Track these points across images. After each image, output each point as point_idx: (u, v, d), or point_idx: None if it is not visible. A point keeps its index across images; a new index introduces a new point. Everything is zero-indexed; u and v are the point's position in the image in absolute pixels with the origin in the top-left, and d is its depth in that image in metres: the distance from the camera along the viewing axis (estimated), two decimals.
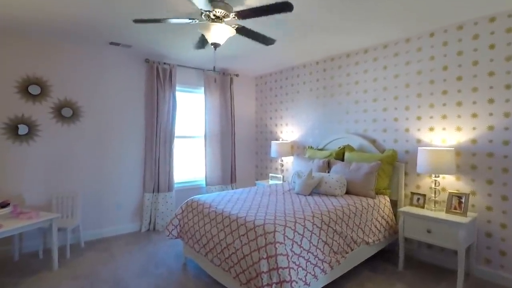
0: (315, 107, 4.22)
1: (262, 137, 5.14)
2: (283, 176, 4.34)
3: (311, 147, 4.16)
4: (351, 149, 3.61)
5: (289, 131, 4.64)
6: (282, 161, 4.60)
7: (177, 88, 4.36)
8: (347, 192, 3.20)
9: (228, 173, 4.67)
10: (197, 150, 4.71)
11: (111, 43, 3.38)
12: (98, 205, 3.69)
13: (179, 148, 4.45)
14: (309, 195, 3.14)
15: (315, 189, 3.21)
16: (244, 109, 5.12)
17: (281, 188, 3.53)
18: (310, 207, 2.59)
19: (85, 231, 3.61)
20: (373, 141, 3.55)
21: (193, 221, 2.78)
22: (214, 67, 2.87)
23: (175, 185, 4.31)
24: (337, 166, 3.42)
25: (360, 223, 2.70)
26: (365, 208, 2.81)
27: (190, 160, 4.65)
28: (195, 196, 3.07)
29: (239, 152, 5.10)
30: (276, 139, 4.86)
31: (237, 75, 4.85)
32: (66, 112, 3.44)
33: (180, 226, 2.96)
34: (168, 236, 2.94)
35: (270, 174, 4.57)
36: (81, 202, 3.56)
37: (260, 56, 4.01)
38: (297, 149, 4.50)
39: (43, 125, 3.32)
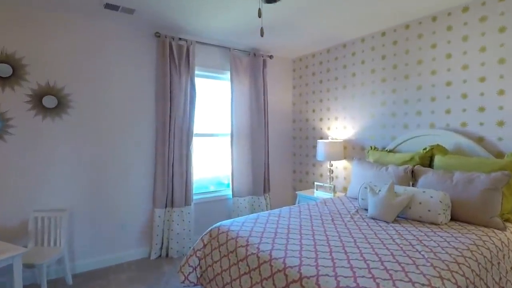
0: (380, 93, 3.12)
1: (301, 135, 4.10)
2: (334, 187, 3.30)
3: (374, 148, 3.07)
4: (443, 151, 2.50)
5: (339, 127, 3.57)
6: (332, 165, 3.54)
7: (196, 72, 3.40)
8: (452, 218, 2.11)
9: (260, 181, 3.67)
10: (221, 152, 3.74)
11: (107, 6, 2.45)
12: (94, 225, 2.79)
13: (198, 149, 3.48)
14: (393, 222, 2.08)
15: (401, 213, 2.14)
16: (279, 99, 4.10)
17: (342, 207, 2.48)
18: (418, 252, 1.53)
19: (77, 260, 2.72)
20: (480, 140, 2.42)
21: (221, 266, 1.79)
22: (261, 28, 1.85)
23: (194, 197, 3.35)
24: (428, 176, 2.32)
25: (500, 279, 1.61)
26: (500, 250, 1.71)
27: (212, 164, 3.69)
28: (223, 223, 2.07)
29: (273, 154, 4.08)
30: (321, 137, 3.81)
31: (271, 57, 3.83)
32: (48, 102, 2.55)
33: (200, 268, 1.98)
34: (183, 282, 1.97)
35: (316, 183, 3.52)
36: (68, 222, 2.67)
37: (300, 30, 2.97)
38: (351, 150, 3.42)
39: (16, 119, 2.44)
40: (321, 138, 3.80)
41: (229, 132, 3.55)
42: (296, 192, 3.61)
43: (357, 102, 3.35)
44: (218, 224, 2.06)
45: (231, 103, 3.52)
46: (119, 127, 2.89)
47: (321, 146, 3.38)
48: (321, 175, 3.80)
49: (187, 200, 3.14)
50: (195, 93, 3.19)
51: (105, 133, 2.81)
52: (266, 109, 3.76)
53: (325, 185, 3.43)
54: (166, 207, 3.07)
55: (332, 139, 3.59)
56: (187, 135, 3.16)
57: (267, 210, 3.75)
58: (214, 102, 3.67)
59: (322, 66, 3.77)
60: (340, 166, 3.56)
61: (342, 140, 3.39)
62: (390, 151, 2.94)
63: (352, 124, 3.42)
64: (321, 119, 3.80)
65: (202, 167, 3.57)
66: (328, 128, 3.71)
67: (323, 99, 3.77)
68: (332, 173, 3.50)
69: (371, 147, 3.10)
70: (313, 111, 3.91)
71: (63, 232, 2.47)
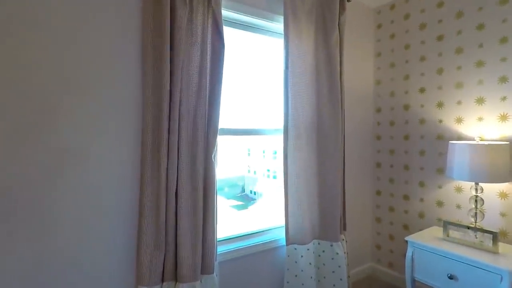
0: None
1: (397, 132, 2.45)
2: (496, 235, 1.66)
3: None
4: None
5: (488, 118, 1.90)
6: (479, 191, 1.86)
7: (223, 12, 1.83)
8: None
9: (332, 213, 2.06)
10: (266, 163, 2.17)
11: None
12: None
13: (222, 158, 1.92)
14: None
15: None
16: (355, 74, 2.47)
17: None
18: None
19: None
20: None
21: None
22: None
23: (219, 250, 1.78)
24: None
25: None
26: None
27: (250, 184, 2.11)
28: None
29: (350, 168, 2.46)
30: (440, 137, 2.15)
31: (349, 0, 2.21)
32: None
33: None
34: None
35: (447, 223, 1.87)
36: None
37: None
38: None
39: None
40: (442, 139, 2.14)
41: (282, 127, 1.95)
42: (407, 239, 1.96)
43: None
44: None
45: (285, 75, 1.92)
46: (67, 125, 1.34)
47: (461, 154, 1.74)
48: (456, 206, 2.14)
49: (206, 266, 1.57)
50: (223, 50, 1.62)
51: (39, 137, 1.28)
52: (342, 88, 2.14)
53: (468, 227, 1.77)
54: (163, 282, 1.50)
55: (480, 140, 1.92)
56: (206, 135, 1.59)
57: (346, 268, 2.13)
58: (252, 73, 2.09)
59: (430, 14, 2.11)
60: (493, 192, 1.89)
61: (508, 143, 1.72)
62: None
63: None
64: (439, 105, 2.14)
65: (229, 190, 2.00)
66: (459, 120, 2.05)
67: (441, 69, 2.11)
68: (478, 204, 1.83)
69: None
70: (421, 91, 2.25)
71: None
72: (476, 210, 1.83)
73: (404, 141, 2.37)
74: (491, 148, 1.67)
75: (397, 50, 2.40)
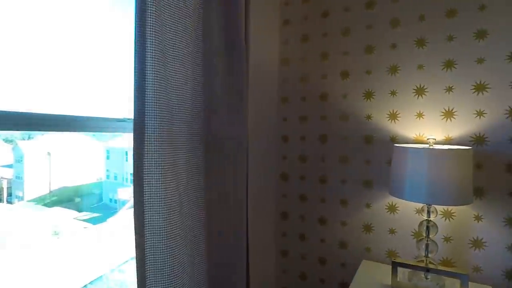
0: None
1: (310, 131, 1.77)
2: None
3: None
4: None
5: (436, 116, 1.45)
6: (431, 215, 1.35)
7: None
8: None
9: (228, 262, 1.15)
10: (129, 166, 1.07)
11: None
12: None
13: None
14: None
15: None
16: (254, 48, 1.64)
17: None
18: None
19: None
20: None
21: None
22: None
23: None
24: None
25: None
26: None
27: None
28: None
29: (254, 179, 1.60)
30: (369, 139, 1.60)
31: None
32: None
33: None
34: None
35: (397, 264, 1.29)
36: None
37: None
38: (490, 175, 1.35)
39: None
40: (370, 141, 1.59)
41: (130, 117, 0.88)
42: None
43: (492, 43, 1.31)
44: None
45: (139, 44, 0.85)
46: None
47: (415, 163, 1.20)
48: (389, 231, 1.59)
49: None
50: None
51: None
52: (246, 68, 1.26)
53: (431, 271, 1.23)
54: None
55: (436, 143, 1.44)
56: None
57: None
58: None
59: None
60: (452, 223, 1.44)
61: (471, 148, 1.26)
62: None
63: (493, 103, 1.36)
64: (367, 95, 1.59)
65: None
66: (393, 116, 1.54)
67: (370, 47, 1.57)
68: (431, 232, 1.33)
69: None
70: (344, 75, 1.65)
71: None
72: (427, 241, 1.32)
73: (320, 144, 1.72)
74: (457, 156, 1.17)
75: (312, 18, 1.73)
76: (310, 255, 1.76)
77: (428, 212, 1.31)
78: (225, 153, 1.14)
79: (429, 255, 1.31)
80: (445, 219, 1.43)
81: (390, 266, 1.47)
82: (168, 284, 0.84)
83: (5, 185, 1.27)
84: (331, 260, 1.70)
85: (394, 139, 1.53)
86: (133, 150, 0.81)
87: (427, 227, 1.31)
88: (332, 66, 1.67)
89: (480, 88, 1.35)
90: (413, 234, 1.50)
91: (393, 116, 1.53)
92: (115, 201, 1.64)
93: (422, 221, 1.33)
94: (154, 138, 0.82)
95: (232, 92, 1.16)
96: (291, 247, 1.82)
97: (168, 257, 0.84)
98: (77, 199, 1.50)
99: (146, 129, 0.81)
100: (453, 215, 1.41)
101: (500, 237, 1.33)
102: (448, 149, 1.18)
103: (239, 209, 1.19)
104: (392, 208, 1.54)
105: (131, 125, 0.95)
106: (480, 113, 1.36)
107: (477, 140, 1.36)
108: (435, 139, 1.36)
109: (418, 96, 1.47)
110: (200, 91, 1.07)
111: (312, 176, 1.75)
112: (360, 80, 1.60)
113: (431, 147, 1.30)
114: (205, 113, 1.09)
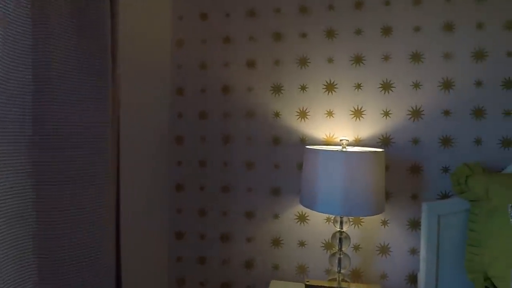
0: (465, 29, 1.22)
1: (211, 130, 1.45)
2: None
3: (482, 169, 1.12)
4: None
5: (345, 115, 1.33)
6: (345, 226, 1.20)
7: None
8: None
9: None
10: None
11: None
12: None
13: None
14: None
15: None
16: (138, 25, 1.23)
17: None
18: None
19: None
20: None
21: None
22: None
23: None
24: None
25: None
26: None
27: None
28: None
29: (129, 195, 1.18)
30: (277, 140, 1.39)
31: None
32: None
33: None
34: None
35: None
36: None
37: None
38: (397, 179, 1.28)
39: None
40: (278, 142, 1.38)
41: None
42: None
43: (400, 45, 1.26)
44: None
45: None
46: None
47: (329, 168, 1.04)
48: (299, 243, 1.39)
49: None
50: None
51: None
52: (115, 50, 0.86)
53: None
54: None
55: (348, 145, 1.30)
56: None
57: None
58: None
59: None
60: (361, 230, 1.32)
61: (383, 151, 1.16)
62: None
63: (398, 103, 1.29)
64: (276, 89, 1.37)
65: None
66: (303, 115, 1.36)
67: (277, 34, 1.37)
68: (344, 245, 1.18)
69: (467, 165, 1.13)
70: (251, 64, 1.40)
71: None
72: (340, 255, 1.17)
73: (223, 146, 1.43)
74: (371, 159, 1.05)
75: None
76: (211, 281, 1.45)
77: (341, 223, 1.17)
78: (69, 154, 0.72)
79: (342, 271, 1.17)
80: (354, 226, 1.33)
81: (300, 284, 1.28)
82: None
83: None
84: (236, 284, 1.43)
85: (304, 140, 1.36)
86: None
87: (340, 239, 1.17)
88: (236, 53, 1.40)
89: (386, 87, 1.29)
90: (323, 245, 1.36)
91: (302, 114, 1.36)
92: None
93: (335, 232, 1.18)
94: None
95: (87, 82, 0.75)
96: (188, 273, 1.47)
97: None
98: None
99: None
100: (362, 222, 1.32)
101: (403, 241, 1.30)
102: (364, 152, 1.04)
103: (100, 231, 0.79)
104: (302, 218, 1.37)
105: None
106: (386, 113, 1.29)
107: (384, 142, 1.30)
108: (348, 140, 1.23)
109: (329, 92, 1.34)
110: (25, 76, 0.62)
111: (213, 185, 1.44)
112: (268, 72, 1.38)
113: (344, 149, 1.15)
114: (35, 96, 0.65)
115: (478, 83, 1.23)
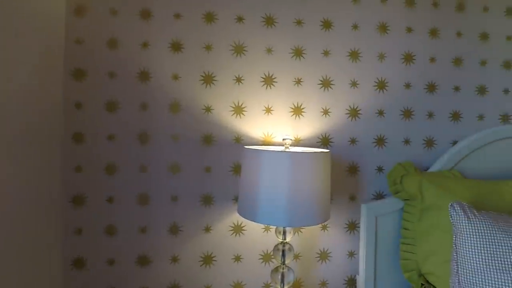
0: (403, 34, 1.25)
1: (121, 125, 1.14)
2: None
3: (414, 168, 1.15)
4: None
5: (285, 112, 1.20)
6: (289, 236, 1.06)
7: None
8: None
9: None
10: None
11: None
12: None
13: None
14: None
15: None
16: None
17: None
18: None
19: None
20: None
21: None
22: None
23: None
24: None
25: None
26: None
27: None
28: None
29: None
30: (208, 139, 1.18)
31: None
32: None
33: None
34: None
35: None
36: None
37: None
38: (338, 179, 1.21)
39: None
40: (209, 142, 1.17)
41: None
42: None
43: (339, 39, 1.22)
44: None
45: None
46: None
47: (272, 173, 0.90)
48: (234, 258, 1.18)
49: None
50: None
51: None
52: None
53: None
54: None
55: (292, 145, 1.16)
56: None
57: None
58: None
59: None
60: (301, 238, 1.20)
61: (328, 151, 1.08)
62: (449, 171, 1.17)
63: (338, 100, 1.22)
64: (208, 79, 1.17)
65: None
66: (238, 111, 1.19)
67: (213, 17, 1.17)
68: (287, 258, 1.05)
69: (401, 165, 1.15)
70: (177, 48, 1.15)
71: None
72: (283, 269, 1.04)
73: (140, 146, 1.14)
74: (318, 161, 0.94)
75: None
76: None
77: (284, 233, 1.04)
78: None
79: (285, 287, 1.04)
80: (294, 234, 1.22)
81: None
82: None
83: None
84: None
85: (239, 140, 1.19)
86: None
87: (283, 251, 1.04)
88: (158, 31, 1.14)
89: (326, 84, 1.22)
90: (261, 257, 1.21)
91: (238, 110, 1.18)
92: None
93: (277, 244, 1.05)
94: None
95: None
96: None
97: None
98: None
99: None
100: (302, 229, 1.23)
101: (342, 245, 1.25)
102: (311, 152, 0.93)
103: None
104: (237, 229, 1.19)
105: None
106: (325, 112, 1.23)
107: (323, 142, 1.23)
108: (291, 140, 1.11)
109: (267, 86, 1.20)
110: None
111: (126, 195, 1.14)
112: (198, 58, 1.16)
113: (287, 149, 1.03)
114: None
115: (407, 85, 1.26)
